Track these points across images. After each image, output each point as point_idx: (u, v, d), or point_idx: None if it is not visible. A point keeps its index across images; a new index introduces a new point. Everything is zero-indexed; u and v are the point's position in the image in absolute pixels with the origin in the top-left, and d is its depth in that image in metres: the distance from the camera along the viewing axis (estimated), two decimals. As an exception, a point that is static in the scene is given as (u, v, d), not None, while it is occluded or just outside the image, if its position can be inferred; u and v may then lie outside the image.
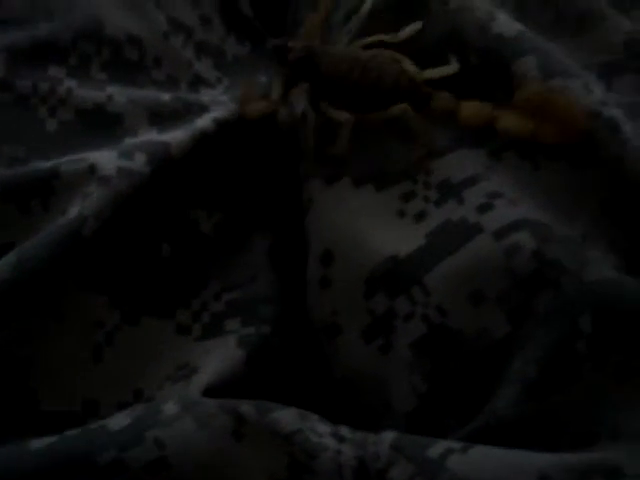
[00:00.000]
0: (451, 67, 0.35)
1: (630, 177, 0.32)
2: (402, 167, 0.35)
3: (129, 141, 0.36)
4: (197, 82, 0.40)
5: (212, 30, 0.42)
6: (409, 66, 0.35)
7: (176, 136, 0.36)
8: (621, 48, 0.36)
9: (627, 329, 0.29)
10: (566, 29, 0.36)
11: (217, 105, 0.38)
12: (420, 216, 0.33)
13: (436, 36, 0.36)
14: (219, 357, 0.33)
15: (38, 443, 0.28)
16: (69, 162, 0.34)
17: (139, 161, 0.35)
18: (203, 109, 0.38)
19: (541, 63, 0.33)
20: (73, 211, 0.33)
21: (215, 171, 0.37)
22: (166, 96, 0.38)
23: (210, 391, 0.32)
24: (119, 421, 0.28)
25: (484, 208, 0.32)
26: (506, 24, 0.35)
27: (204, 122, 0.37)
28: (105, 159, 0.34)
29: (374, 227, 0.34)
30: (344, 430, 0.30)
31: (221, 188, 0.37)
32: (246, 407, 0.29)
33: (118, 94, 0.38)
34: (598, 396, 0.29)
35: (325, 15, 0.38)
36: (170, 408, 0.28)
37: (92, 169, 0.34)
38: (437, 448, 0.28)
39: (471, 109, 0.34)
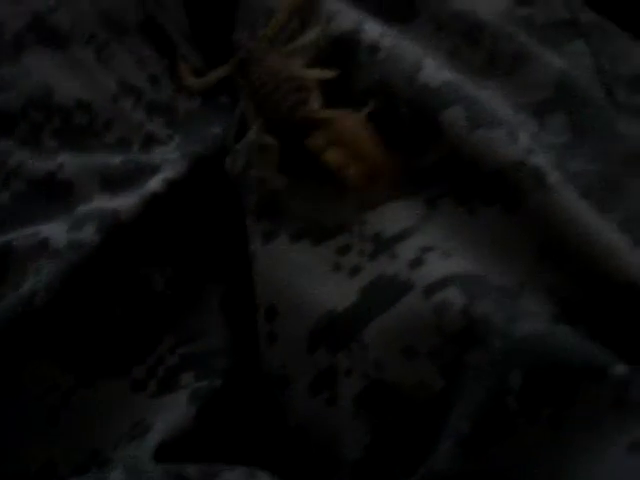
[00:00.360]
0: (329, 72, 0.35)
1: (557, 227, 0.31)
2: (338, 220, 0.35)
3: (80, 209, 0.37)
4: (149, 142, 0.41)
5: (161, 88, 0.43)
6: (314, 99, 0.35)
7: (126, 201, 0.37)
8: (552, 87, 0.35)
9: (557, 382, 0.29)
10: (500, 69, 0.36)
11: (168, 164, 0.39)
12: (355, 270, 0.34)
13: (364, 87, 0.36)
14: (171, 414, 0.34)
15: None
16: (22, 237, 0.36)
17: (88, 231, 0.36)
18: (154, 170, 0.39)
19: (468, 113, 0.33)
20: (26, 285, 0.34)
21: (166, 230, 0.38)
22: (117, 159, 0.39)
23: (162, 448, 0.33)
24: None
25: (416, 263, 0.32)
26: (432, 74, 0.35)
27: (154, 184, 0.38)
28: (56, 232, 0.36)
29: (312, 282, 0.34)
30: None
31: (172, 245, 0.38)
32: (192, 470, 0.30)
33: (69, 162, 0.39)
34: (534, 449, 0.29)
35: (287, 18, 0.38)
36: (116, 477, 0.30)
37: (44, 243, 0.35)
38: None
39: (334, 155, 0.34)
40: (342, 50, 0.36)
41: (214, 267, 0.39)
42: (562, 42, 0.37)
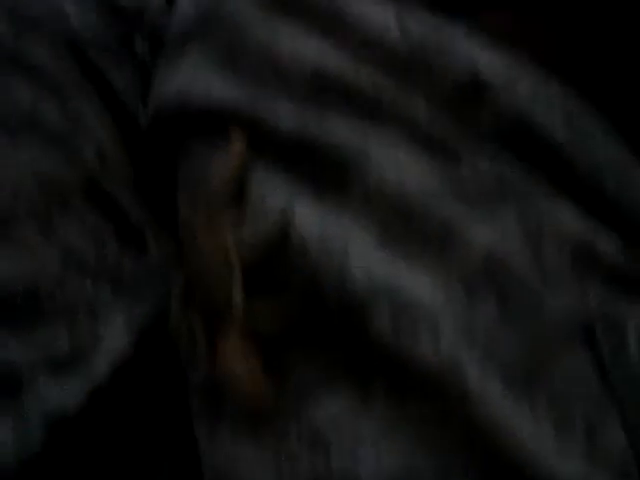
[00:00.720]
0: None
1: (486, 440, 0.32)
2: (276, 403, 0.35)
3: (26, 401, 0.37)
4: (94, 315, 0.41)
5: (107, 253, 0.43)
6: (236, 289, 0.35)
7: (71, 393, 0.37)
8: (481, 266, 0.36)
9: None
10: (430, 248, 0.36)
11: (114, 341, 0.40)
12: (292, 459, 0.34)
13: (297, 282, 0.36)
14: None
15: None
16: None
17: (34, 428, 0.36)
18: (100, 350, 0.39)
19: (393, 321, 0.34)
20: None
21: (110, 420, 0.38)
22: (62, 340, 0.39)
23: None
24: None
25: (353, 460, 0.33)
26: (359, 269, 0.35)
27: (99, 369, 0.38)
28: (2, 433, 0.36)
29: (251, 474, 0.34)
30: None
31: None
32: None
33: (13, 345, 0.39)
34: None
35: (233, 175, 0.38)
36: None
37: None
38: None
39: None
40: (271, 243, 0.36)
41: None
42: (492, 206, 0.37)
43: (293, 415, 0.35)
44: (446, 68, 0.41)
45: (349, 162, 0.38)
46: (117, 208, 0.45)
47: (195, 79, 0.42)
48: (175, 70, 0.44)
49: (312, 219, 0.36)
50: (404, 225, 0.37)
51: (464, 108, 0.41)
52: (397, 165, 0.38)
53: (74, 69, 0.47)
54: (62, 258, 0.42)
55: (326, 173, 0.38)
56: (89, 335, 0.40)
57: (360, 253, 0.35)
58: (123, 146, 0.46)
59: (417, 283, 0.36)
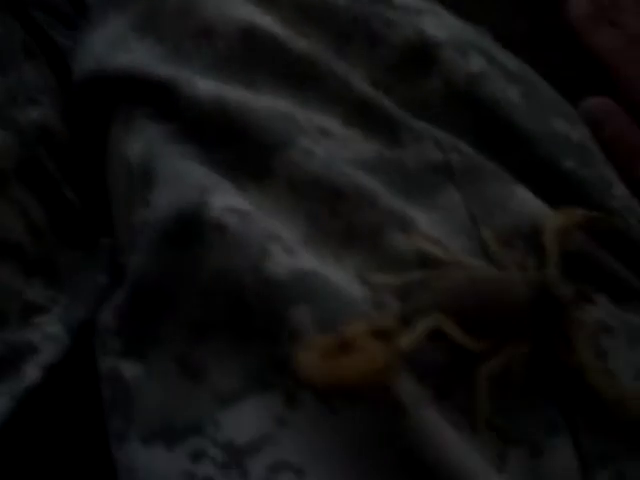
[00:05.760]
0: None
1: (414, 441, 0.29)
2: (192, 417, 0.32)
3: None
4: (28, 312, 0.38)
5: (43, 243, 0.40)
6: None
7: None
8: (413, 257, 0.33)
9: None
10: (359, 241, 0.34)
11: (47, 343, 0.36)
12: None
13: (211, 274, 0.33)
14: None
15: None
16: None
17: None
18: (32, 351, 0.36)
19: (316, 312, 0.31)
20: None
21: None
22: None
23: None
24: None
25: None
26: (280, 262, 0.32)
27: (31, 373, 0.35)
28: None
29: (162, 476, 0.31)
30: None
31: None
32: None
33: None
34: None
35: None
36: None
37: None
38: None
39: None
40: (187, 229, 0.33)
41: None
42: (435, 191, 0.35)
43: (208, 423, 0.32)
44: (393, 37, 0.38)
45: (273, 143, 0.35)
46: (55, 191, 0.41)
47: (115, 45, 0.40)
48: (96, 35, 0.41)
49: (229, 210, 0.33)
50: (332, 216, 0.34)
51: (411, 77, 0.38)
52: (327, 143, 0.35)
53: (18, 31, 0.44)
54: None
55: (248, 153, 0.35)
56: (20, 338, 0.36)
57: (280, 251, 0.32)
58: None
59: (344, 277, 0.33)
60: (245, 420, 0.31)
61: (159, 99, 0.37)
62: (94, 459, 0.35)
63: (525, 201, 0.35)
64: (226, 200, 0.33)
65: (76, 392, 0.37)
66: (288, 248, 0.32)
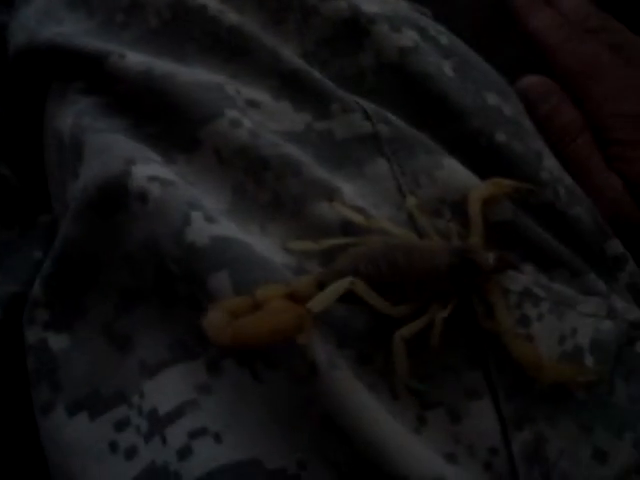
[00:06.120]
0: None
1: (334, 407, 0.29)
2: (118, 386, 0.32)
3: None
4: None
5: None
6: None
7: None
8: (337, 229, 0.33)
9: None
10: (285, 209, 0.34)
11: None
12: (131, 453, 0.31)
13: (135, 242, 0.33)
14: None
15: None
16: None
17: None
18: None
19: (234, 279, 0.31)
20: None
21: None
22: None
23: None
24: None
25: (184, 453, 0.30)
26: (200, 230, 0.32)
27: None
28: None
29: (87, 466, 0.32)
30: None
31: None
32: None
33: None
34: None
35: None
36: None
37: None
38: None
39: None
40: (110, 198, 0.33)
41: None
42: (363, 161, 0.35)
43: (133, 392, 0.32)
44: (327, 11, 0.38)
45: (201, 115, 0.35)
46: None
47: (46, 18, 0.40)
48: (28, 9, 0.41)
49: (152, 179, 0.33)
50: (258, 185, 0.34)
51: (345, 51, 0.38)
52: (256, 114, 0.36)
53: None
54: None
55: (177, 126, 0.35)
56: None
57: (201, 219, 0.32)
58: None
59: (268, 245, 0.33)
60: (169, 388, 0.32)
61: (89, 73, 0.37)
62: (20, 430, 0.35)
63: (453, 172, 0.35)
64: (149, 170, 0.33)
65: (4, 365, 0.36)
66: (209, 216, 0.32)
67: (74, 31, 0.38)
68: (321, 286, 0.30)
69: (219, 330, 0.28)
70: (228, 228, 0.32)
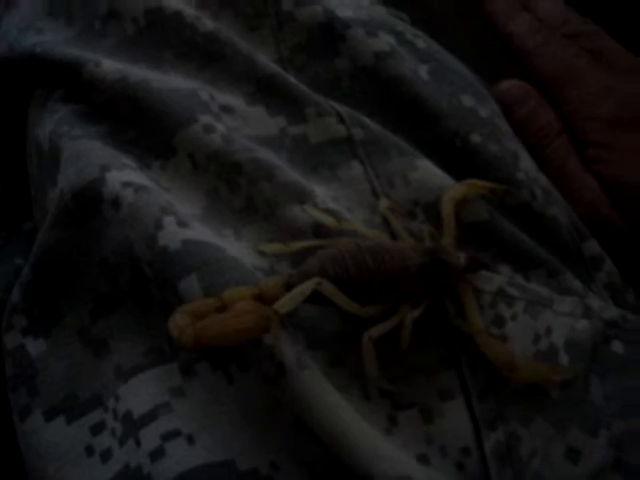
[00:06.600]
0: None
1: (303, 407, 0.30)
2: (94, 390, 0.33)
3: None
4: None
5: None
6: None
7: None
8: (309, 231, 0.34)
9: None
10: (258, 213, 0.34)
11: None
12: (106, 456, 0.32)
13: (110, 248, 0.34)
14: None
15: None
16: None
17: None
18: None
19: (205, 281, 0.31)
20: None
21: None
22: None
23: None
24: None
25: (157, 455, 0.30)
26: (172, 233, 0.32)
27: None
28: None
29: (63, 469, 0.32)
30: None
31: None
32: None
33: None
34: None
35: None
36: None
37: None
38: None
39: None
40: (85, 205, 0.34)
41: None
42: (337, 164, 0.35)
43: (109, 396, 0.33)
44: (302, 16, 0.38)
45: (175, 121, 0.35)
46: None
47: (26, 27, 0.40)
48: (10, 19, 0.41)
49: (126, 185, 0.33)
50: (231, 190, 0.35)
51: (320, 56, 0.38)
52: (230, 120, 0.36)
53: None
54: None
55: (153, 132, 0.36)
56: None
57: (173, 224, 0.33)
58: None
59: (241, 249, 0.33)
60: (143, 392, 0.32)
61: (68, 81, 0.37)
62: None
63: (427, 174, 0.35)
64: (124, 176, 0.34)
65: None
66: (182, 221, 0.33)
67: (53, 40, 0.38)
68: (289, 288, 0.31)
69: (182, 331, 0.28)
70: (201, 232, 0.33)
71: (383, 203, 0.34)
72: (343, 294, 0.31)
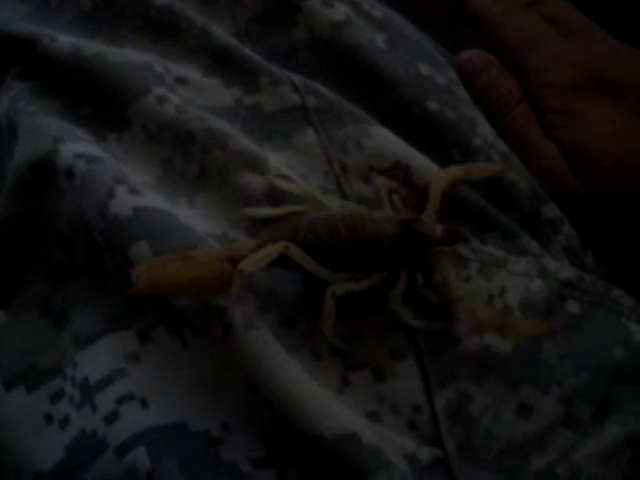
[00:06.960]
0: None
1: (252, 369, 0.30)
2: (53, 359, 0.33)
3: None
4: None
5: None
6: None
7: None
8: (262, 198, 0.34)
9: None
10: (212, 181, 0.34)
11: None
12: (65, 422, 0.32)
13: (65, 218, 0.34)
14: None
15: None
16: None
17: None
18: None
19: (155, 247, 0.31)
20: None
21: None
22: None
23: None
24: None
25: (111, 418, 0.30)
26: (124, 202, 0.32)
27: None
28: None
29: (24, 439, 0.32)
30: None
31: None
32: None
33: None
34: None
35: None
36: None
37: None
38: None
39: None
40: (39, 176, 0.34)
41: None
42: (292, 132, 0.36)
43: (68, 364, 0.33)
44: None
45: (130, 94, 0.36)
46: None
47: None
48: None
49: (78, 156, 0.34)
50: (185, 160, 0.35)
51: (277, 28, 0.38)
52: (184, 91, 0.36)
53: None
54: None
55: (108, 105, 0.36)
56: None
57: (124, 192, 0.33)
58: None
59: (195, 216, 0.34)
60: (100, 358, 0.32)
61: (25, 57, 0.37)
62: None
63: (382, 140, 0.36)
64: (77, 147, 0.34)
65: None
66: (134, 189, 0.33)
67: (10, 16, 0.39)
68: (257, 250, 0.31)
69: (137, 277, 0.29)
70: (153, 200, 0.33)
71: (379, 180, 0.35)
72: (312, 259, 0.31)
